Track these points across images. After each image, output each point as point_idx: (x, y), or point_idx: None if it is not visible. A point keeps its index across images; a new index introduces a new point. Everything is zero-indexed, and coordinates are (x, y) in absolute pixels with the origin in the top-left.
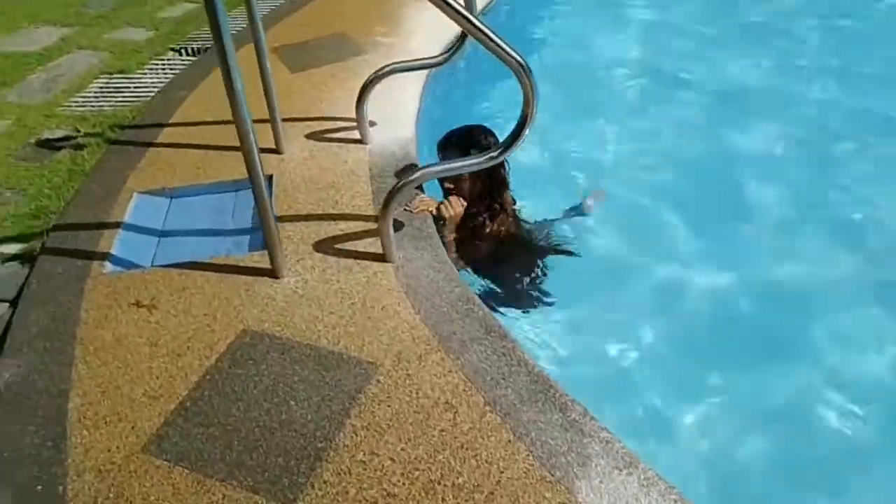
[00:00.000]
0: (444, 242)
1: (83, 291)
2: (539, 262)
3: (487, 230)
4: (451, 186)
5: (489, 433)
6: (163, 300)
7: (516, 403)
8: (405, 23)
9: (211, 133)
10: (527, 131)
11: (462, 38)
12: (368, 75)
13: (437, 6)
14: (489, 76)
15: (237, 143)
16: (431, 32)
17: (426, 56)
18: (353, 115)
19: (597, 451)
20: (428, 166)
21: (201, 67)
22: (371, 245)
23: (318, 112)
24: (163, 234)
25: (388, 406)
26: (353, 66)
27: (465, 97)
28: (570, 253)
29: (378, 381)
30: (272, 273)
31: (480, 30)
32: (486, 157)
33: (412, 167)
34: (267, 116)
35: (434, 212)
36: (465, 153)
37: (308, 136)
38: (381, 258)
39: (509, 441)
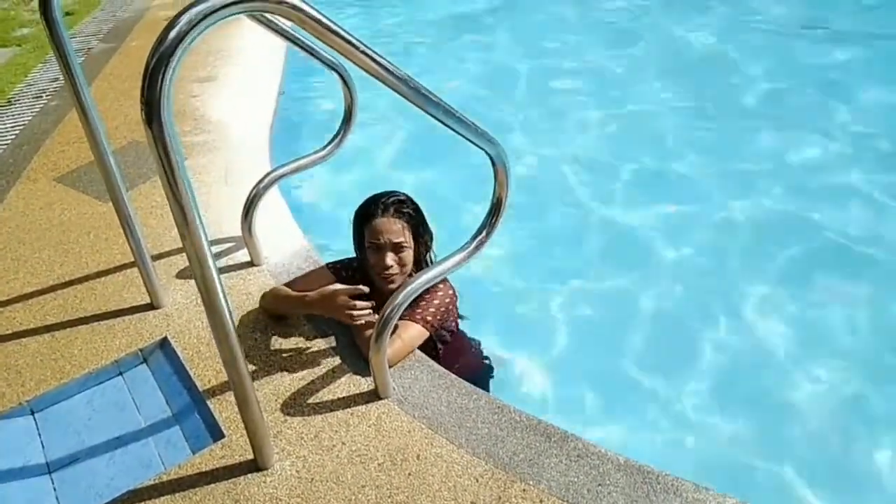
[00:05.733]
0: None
1: None
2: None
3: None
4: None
5: None
6: None
7: None
8: (203, 114)
9: (38, 306)
10: (502, 218)
11: (346, 123)
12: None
13: (403, 94)
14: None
15: (92, 307)
16: (243, 116)
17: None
18: (221, 234)
19: None
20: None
21: None
22: (350, 383)
23: (172, 242)
24: (52, 468)
25: None
26: None
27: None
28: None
29: None
30: (255, 465)
31: (456, 116)
32: (472, 245)
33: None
34: (114, 262)
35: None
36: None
37: (180, 276)
38: (373, 396)
39: None
